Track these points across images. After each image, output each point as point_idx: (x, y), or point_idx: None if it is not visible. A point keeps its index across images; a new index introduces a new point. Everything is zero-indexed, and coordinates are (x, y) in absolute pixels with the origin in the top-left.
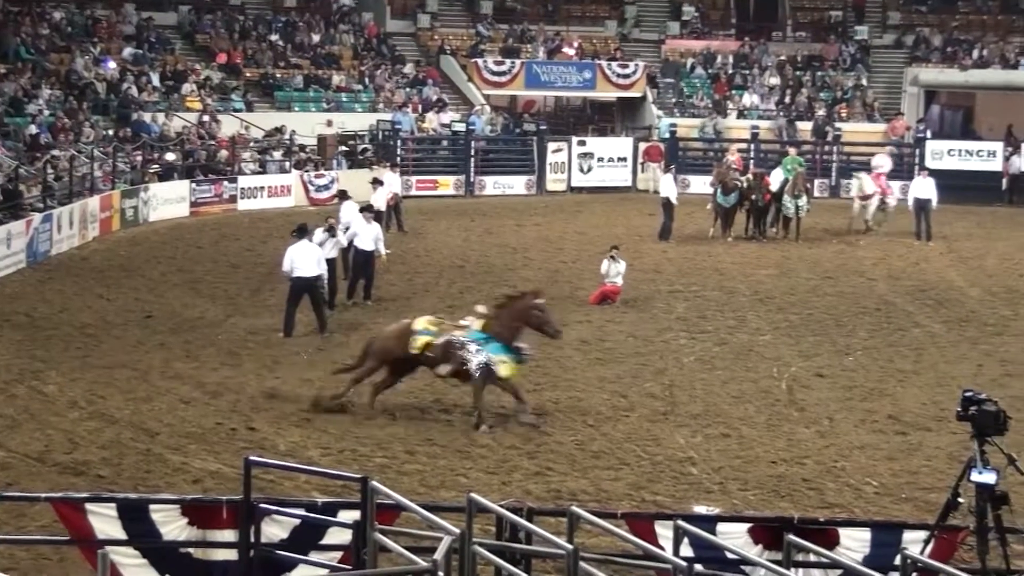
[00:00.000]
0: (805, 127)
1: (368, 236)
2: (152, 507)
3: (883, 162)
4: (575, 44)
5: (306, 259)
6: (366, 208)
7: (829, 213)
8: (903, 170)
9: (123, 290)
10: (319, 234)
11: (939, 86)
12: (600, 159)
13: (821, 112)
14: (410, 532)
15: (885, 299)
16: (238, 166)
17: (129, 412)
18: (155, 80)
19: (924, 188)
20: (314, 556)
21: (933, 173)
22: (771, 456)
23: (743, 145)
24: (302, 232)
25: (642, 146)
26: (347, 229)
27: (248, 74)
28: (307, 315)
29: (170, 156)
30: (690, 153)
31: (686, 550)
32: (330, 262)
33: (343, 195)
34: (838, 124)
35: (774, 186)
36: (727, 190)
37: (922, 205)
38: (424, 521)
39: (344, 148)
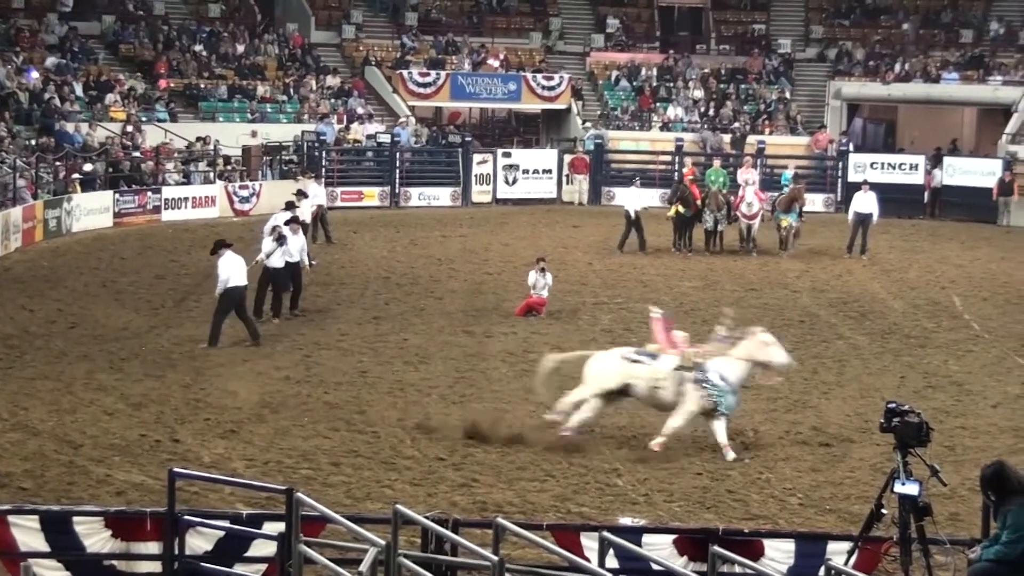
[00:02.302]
0: (721, 139)
1: (295, 247)
2: (76, 519)
3: (752, 176)
4: (500, 56)
5: (240, 269)
6: (292, 220)
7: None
8: (826, 183)
9: (46, 301)
10: (268, 243)
11: (862, 99)
12: (525, 171)
13: (736, 124)
14: (336, 544)
15: (809, 311)
16: (162, 177)
17: (52, 424)
18: (78, 90)
19: (865, 203)
20: (239, 568)
21: (856, 187)
22: (696, 468)
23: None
24: (223, 246)
25: (567, 158)
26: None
27: (172, 84)
28: (233, 327)
29: (87, 167)
30: (615, 165)
31: (611, 562)
32: (292, 266)
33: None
34: (762, 137)
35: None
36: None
37: (862, 219)
38: (350, 533)
39: (267, 158)
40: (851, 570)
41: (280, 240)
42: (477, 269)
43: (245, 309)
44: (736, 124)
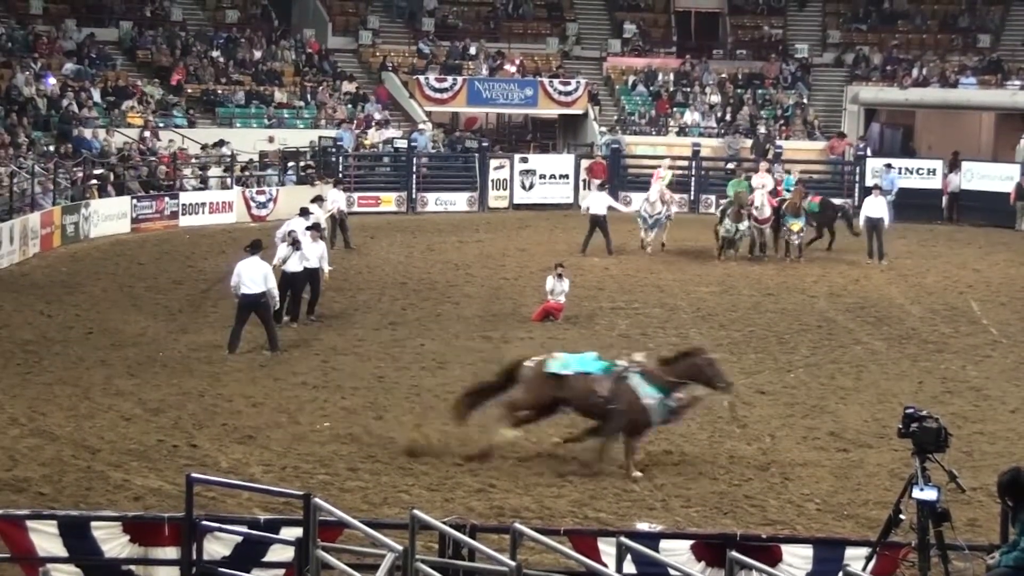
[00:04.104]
0: (745, 144)
1: (314, 254)
2: (94, 524)
3: (766, 181)
4: (517, 61)
5: (252, 276)
6: (313, 226)
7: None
8: (843, 188)
9: (64, 306)
10: (283, 248)
11: (879, 104)
12: (542, 176)
13: (762, 130)
14: (353, 549)
15: (826, 316)
16: (179, 182)
17: (70, 429)
18: (96, 96)
19: (876, 207)
20: (257, 573)
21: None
22: (713, 473)
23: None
24: (255, 248)
25: (584, 163)
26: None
27: (190, 90)
28: (251, 332)
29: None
30: (632, 171)
31: (629, 567)
32: (310, 272)
33: (304, 211)
34: (779, 142)
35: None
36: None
37: (874, 224)
38: (367, 538)
39: (279, 165)
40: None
41: (295, 244)
42: (494, 274)
43: (266, 316)
44: (762, 131)
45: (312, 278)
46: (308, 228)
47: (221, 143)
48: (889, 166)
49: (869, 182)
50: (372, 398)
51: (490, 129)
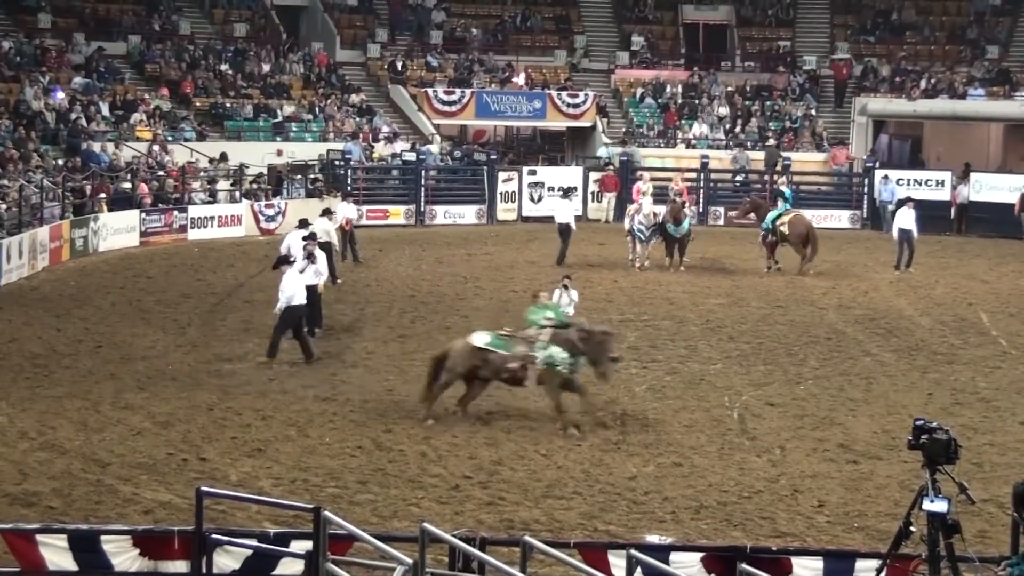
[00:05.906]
0: (756, 156)
1: (320, 266)
2: (103, 538)
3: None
4: (523, 73)
5: (301, 287)
6: (310, 236)
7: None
8: (852, 200)
9: (73, 320)
10: (299, 262)
11: (887, 116)
12: (551, 188)
13: (771, 141)
14: (363, 562)
15: (835, 328)
16: (188, 196)
17: (80, 443)
18: (104, 110)
19: (908, 219)
20: None
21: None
22: (723, 485)
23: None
24: (283, 262)
25: (594, 175)
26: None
27: (198, 103)
28: (259, 344)
29: (126, 185)
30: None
31: None
32: (310, 289)
33: (303, 223)
34: (787, 153)
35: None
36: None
37: (907, 236)
38: (377, 551)
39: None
40: None
41: (311, 258)
42: (503, 287)
43: (301, 328)
44: (771, 142)
45: (312, 290)
46: (305, 238)
47: (224, 156)
48: (886, 178)
49: (876, 194)
50: (381, 411)
51: (498, 142)
